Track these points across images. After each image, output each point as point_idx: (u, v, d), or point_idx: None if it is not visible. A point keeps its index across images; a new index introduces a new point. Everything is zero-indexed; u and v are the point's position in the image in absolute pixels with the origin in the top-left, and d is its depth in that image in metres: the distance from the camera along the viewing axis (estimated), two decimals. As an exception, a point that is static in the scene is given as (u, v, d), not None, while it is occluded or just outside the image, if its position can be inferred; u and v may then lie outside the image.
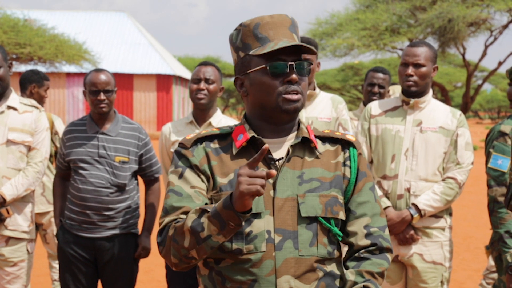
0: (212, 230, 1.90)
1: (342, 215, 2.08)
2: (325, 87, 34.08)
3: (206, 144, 2.10)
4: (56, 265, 5.38)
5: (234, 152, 2.07)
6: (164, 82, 31.99)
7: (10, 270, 3.89)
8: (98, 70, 3.95)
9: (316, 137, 2.14)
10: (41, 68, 23.01)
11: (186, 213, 2.01)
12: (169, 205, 2.04)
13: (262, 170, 1.85)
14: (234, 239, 2.00)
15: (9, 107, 3.88)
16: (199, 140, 2.11)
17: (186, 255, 1.97)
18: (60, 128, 5.27)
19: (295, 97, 2.01)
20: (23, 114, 3.90)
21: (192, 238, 1.93)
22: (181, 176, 2.06)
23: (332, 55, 23.29)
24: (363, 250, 2.08)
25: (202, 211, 1.93)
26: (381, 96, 5.22)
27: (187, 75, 35.24)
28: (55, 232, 5.04)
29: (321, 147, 2.12)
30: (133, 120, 4.67)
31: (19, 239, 3.90)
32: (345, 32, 22.59)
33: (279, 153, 2.07)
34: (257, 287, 1.98)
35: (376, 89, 5.22)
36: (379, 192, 3.68)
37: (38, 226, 5.27)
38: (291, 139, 2.10)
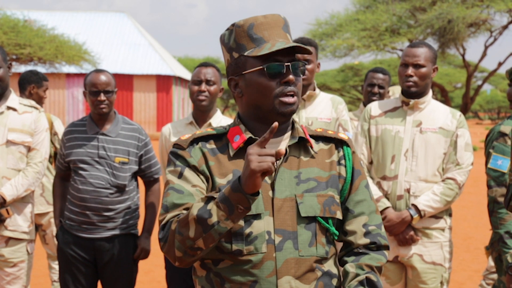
0: (220, 216, 1.87)
1: (339, 215, 2.09)
2: (325, 88, 34.07)
3: (202, 144, 2.08)
4: (55, 266, 5.38)
5: (231, 153, 2.06)
6: (164, 82, 32.00)
7: (10, 270, 3.89)
8: (98, 71, 3.95)
9: (310, 136, 2.14)
10: (41, 68, 23.01)
11: (188, 209, 1.98)
12: (170, 202, 2.01)
13: (271, 149, 1.83)
14: (234, 240, 1.99)
15: (9, 108, 3.88)
16: (195, 141, 2.09)
17: (191, 246, 1.92)
18: (60, 128, 5.27)
19: (291, 100, 2.01)
20: (23, 115, 3.90)
21: (198, 227, 1.89)
22: (180, 175, 2.04)
23: (332, 55, 23.31)
24: (361, 247, 2.10)
25: (208, 199, 1.90)
26: (381, 96, 5.22)
27: (187, 75, 35.24)
28: (54, 233, 5.05)
29: (315, 146, 2.12)
30: (133, 120, 4.66)
31: (19, 240, 3.90)
32: (345, 33, 22.61)
33: None
34: (258, 288, 1.97)
35: (376, 89, 5.22)
36: (377, 191, 3.69)
37: (37, 227, 5.27)
38: (286, 139, 2.10)
